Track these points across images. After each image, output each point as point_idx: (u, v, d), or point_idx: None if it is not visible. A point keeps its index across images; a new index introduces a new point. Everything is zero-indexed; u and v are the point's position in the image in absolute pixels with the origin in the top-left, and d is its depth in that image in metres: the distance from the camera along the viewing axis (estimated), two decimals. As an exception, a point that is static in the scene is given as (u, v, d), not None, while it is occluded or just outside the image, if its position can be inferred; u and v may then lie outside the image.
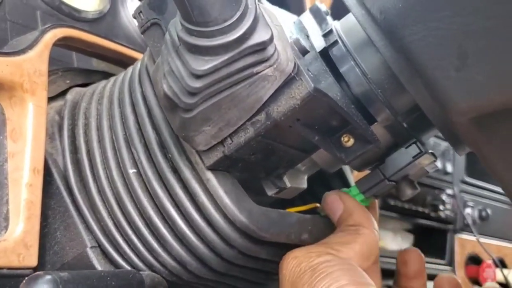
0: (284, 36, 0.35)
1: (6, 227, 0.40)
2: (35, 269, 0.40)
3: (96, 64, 0.56)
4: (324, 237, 0.43)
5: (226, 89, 0.33)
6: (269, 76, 0.33)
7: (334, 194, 0.46)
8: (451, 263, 1.09)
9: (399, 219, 1.00)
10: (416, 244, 1.07)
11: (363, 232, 0.42)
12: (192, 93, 0.32)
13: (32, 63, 0.42)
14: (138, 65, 0.43)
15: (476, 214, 1.14)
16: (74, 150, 0.44)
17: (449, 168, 1.07)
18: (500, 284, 1.10)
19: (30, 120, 0.42)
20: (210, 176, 0.37)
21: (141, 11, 0.39)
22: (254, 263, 0.42)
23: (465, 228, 1.11)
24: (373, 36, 0.37)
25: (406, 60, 0.35)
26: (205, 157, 0.37)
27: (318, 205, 0.49)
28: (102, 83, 0.47)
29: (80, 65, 0.55)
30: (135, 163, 0.40)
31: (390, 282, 0.51)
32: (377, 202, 0.51)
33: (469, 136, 0.35)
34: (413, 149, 0.44)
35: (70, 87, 0.49)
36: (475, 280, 1.11)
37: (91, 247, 0.41)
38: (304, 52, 0.37)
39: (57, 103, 0.48)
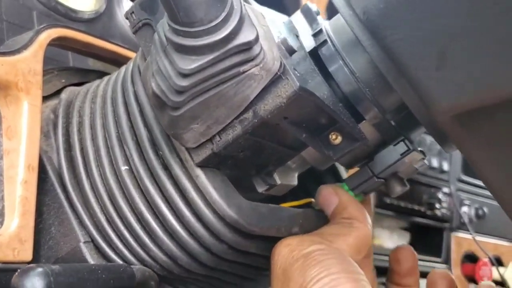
0: (271, 36, 0.36)
1: (1, 223, 0.41)
2: (29, 263, 0.41)
3: (92, 63, 0.57)
4: (315, 230, 0.43)
5: (213, 88, 0.34)
6: (256, 75, 0.34)
7: (329, 187, 0.46)
8: (447, 261, 1.09)
9: (395, 217, 1.00)
10: (412, 242, 1.07)
11: (357, 225, 0.43)
12: (180, 91, 0.33)
13: (27, 63, 0.43)
14: (130, 64, 0.44)
15: (472, 212, 1.14)
16: (68, 147, 0.45)
17: (445, 166, 1.08)
18: (496, 282, 1.10)
19: (25, 118, 0.42)
20: (199, 172, 0.38)
21: (133, 12, 0.40)
22: (244, 258, 0.43)
23: (462, 226, 1.12)
24: (360, 36, 0.37)
25: (391, 60, 0.35)
26: (195, 154, 0.38)
27: (312, 200, 0.49)
28: (96, 82, 0.48)
29: (76, 64, 0.56)
30: (127, 161, 0.41)
31: (387, 280, 0.51)
32: (372, 197, 0.52)
33: (452, 133, 0.36)
34: (401, 147, 0.45)
35: (65, 86, 0.50)
36: (471, 278, 1.11)
37: (85, 242, 0.42)
38: (291, 51, 0.38)
39: (53, 102, 0.49)
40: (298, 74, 0.36)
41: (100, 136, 0.43)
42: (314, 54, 0.43)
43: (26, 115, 0.42)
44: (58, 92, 0.49)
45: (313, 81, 0.40)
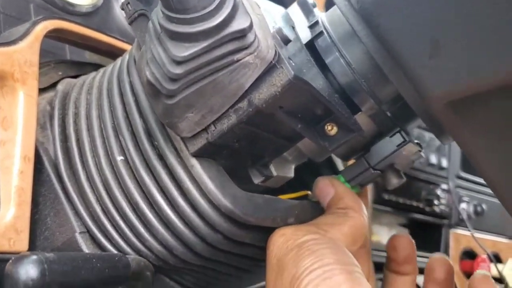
0: (266, 24, 0.36)
1: (-3, 213, 0.41)
2: (25, 254, 0.41)
3: (89, 56, 0.57)
4: (311, 221, 0.43)
5: (208, 76, 0.34)
6: (250, 63, 0.34)
7: (326, 179, 0.46)
8: (446, 257, 1.09)
9: (394, 213, 1.00)
10: (411, 238, 1.07)
11: (352, 215, 0.43)
12: (174, 79, 0.33)
13: (23, 54, 0.43)
14: (126, 56, 0.44)
15: (471, 209, 1.14)
16: (64, 138, 0.45)
17: (444, 163, 1.07)
18: (495, 278, 1.10)
19: (21, 109, 0.42)
20: (194, 162, 0.38)
21: (128, 2, 0.40)
22: (239, 248, 0.43)
23: (460, 223, 1.11)
24: (355, 25, 0.38)
25: (386, 49, 0.35)
26: (190, 144, 0.38)
27: (309, 192, 0.50)
28: (92, 74, 0.48)
29: (73, 57, 0.56)
30: (123, 151, 0.41)
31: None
32: (369, 192, 0.52)
33: (446, 121, 0.36)
34: (397, 138, 0.45)
35: (62, 79, 0.50)
36: (470, 275, 1.11)
37: (80, 233, 0.42)
38: (286, 41, 0.38)
39: (49, 94, 0.49)
40: (293, 64, 0.36)
41: (96, 127, 0.43)
42: (310, 45, 0.43)
43: (22, 106, 0.42)
44: (55, 85, 0.49)
45: (309, 72, 0.40)
